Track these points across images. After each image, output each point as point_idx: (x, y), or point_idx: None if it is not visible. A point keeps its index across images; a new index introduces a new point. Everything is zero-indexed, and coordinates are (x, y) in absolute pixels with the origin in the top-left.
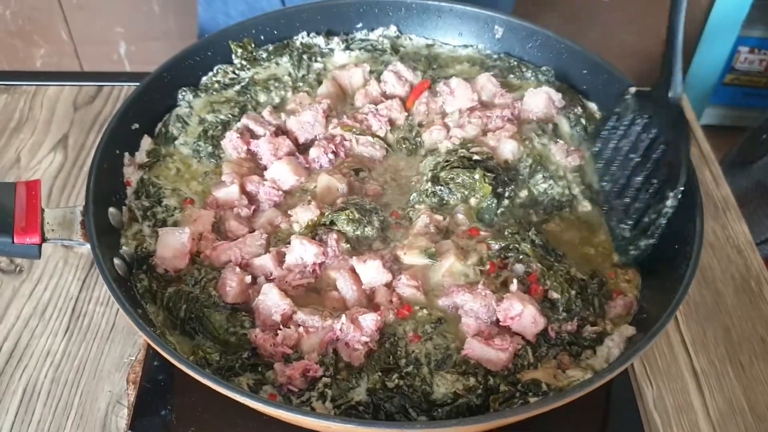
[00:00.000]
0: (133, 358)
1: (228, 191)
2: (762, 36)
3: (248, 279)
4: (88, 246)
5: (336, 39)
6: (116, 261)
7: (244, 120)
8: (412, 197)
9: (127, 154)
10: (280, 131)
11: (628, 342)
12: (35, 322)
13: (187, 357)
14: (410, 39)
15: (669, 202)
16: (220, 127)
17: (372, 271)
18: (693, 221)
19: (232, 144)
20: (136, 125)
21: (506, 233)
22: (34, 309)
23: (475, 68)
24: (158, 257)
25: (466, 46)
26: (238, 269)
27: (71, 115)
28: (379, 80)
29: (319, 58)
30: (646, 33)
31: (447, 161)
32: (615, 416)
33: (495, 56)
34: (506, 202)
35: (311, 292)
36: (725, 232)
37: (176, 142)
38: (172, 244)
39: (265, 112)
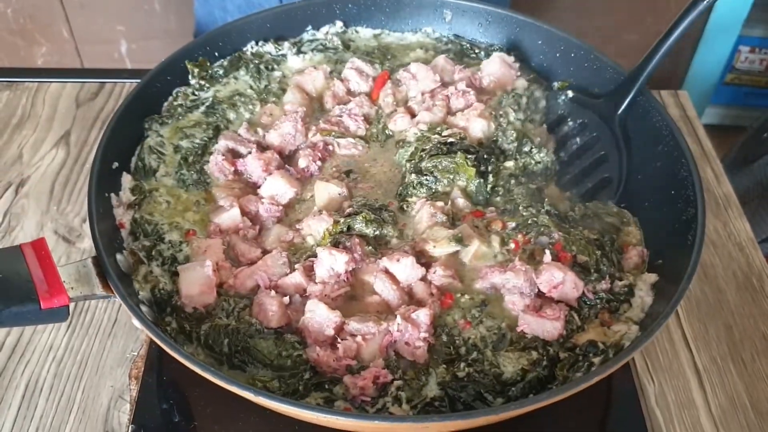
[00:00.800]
0: (135, 354)
1: (230, 215)
2: (763, 35)
3: (286, 300)
4: (116, 299)
5: (286, 44)
6: (144, 308)
7: (223, 141)
8: (399, 191)
9: (113, 195)
10: (262, 146)
11: (654, 288)
12: None
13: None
14: (357, 32)
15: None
16: (199, 152)
17: (407, 269)
18: (695, 222)
19: (218, 167)
20: (116, 164)
21: (520, 208)
22: None
23: (429, 53)
24: (185, 297)
25: (414, 32)
26: (273, 292)
27: (73, 111)
28: (341, 79)
29: (275, 66)
30: (647, 32)
31: (423, 150)
32: (617, 412)
33: (445, 39)
34: (491, 178)
35: (350, 300)
36: (727, 229)
37: (157, 175)
38: (197, 280)
39: (242, 130)
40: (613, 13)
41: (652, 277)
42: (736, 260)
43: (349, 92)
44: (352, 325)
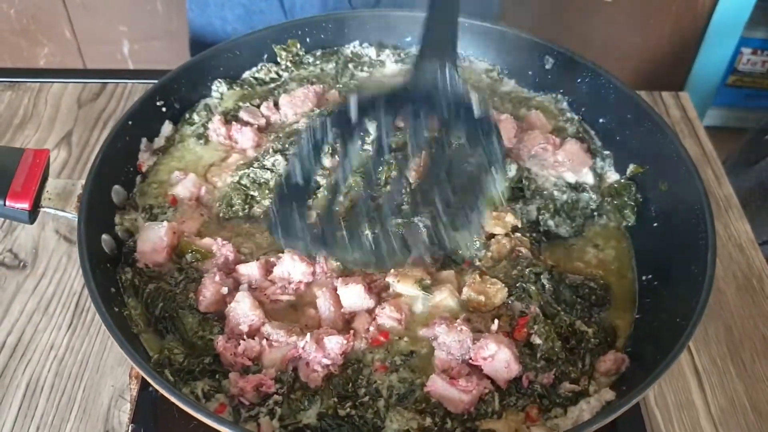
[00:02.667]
0: None
1: (187, 183)
2: (765, 37)
3: (224, 290)
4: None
5: (387, 51)
6: (105, 237)
7: (242, 112)
8: None
9: (145, 139)
10: (269, 124)
11: (606, 407)
12: (39, 316)
13: (151, 354)
14: (470, 61)
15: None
16: (230, 114)
17: (353, 296)
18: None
19: (213, 127)
20: (164, 107)
21: (521, 268)
22: (38, 304)
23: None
24: (139, 252)
25: (546, 92)
26: (217, 277)
27: (75, 112)
28: None
29: (366, 68)
30: (650, 34)
31: None
32: None
33: (568, 115)
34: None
35: (289, 307)
36: (727, 230)
37: (192, 128)
38: (151, 238)
39: (263, 106)
40: (615, 16)
41: (609, 395)
42: (736, 261)
43: None
44: (267, 328)
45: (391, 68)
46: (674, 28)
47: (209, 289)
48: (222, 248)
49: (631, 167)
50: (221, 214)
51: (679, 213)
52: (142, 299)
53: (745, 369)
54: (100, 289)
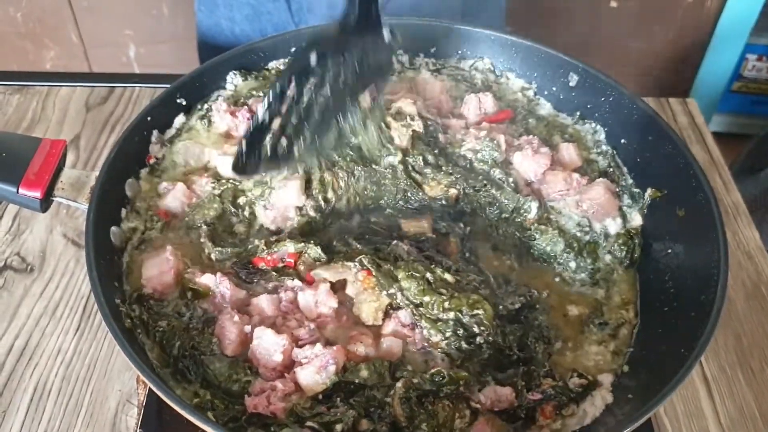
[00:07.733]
0: None
1: (174, 194)
2: None
3: (248, 329)
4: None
5: (418, 60)
6: (114, 229)
7: (252, 100)
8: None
9: (156, 131)
10: None
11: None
12: (46, 320)
13: (189, 400)
14: (507, 78)
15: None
16: (242, 99)
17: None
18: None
19: (216, 106)
20: (182, 101)
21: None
22: (45, 308)
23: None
24: (145, 278)
25: (583, 120)
26: (236, 317)
27: (83, 115)
28: (455, 102)
29: (397, 75)
30: (655, 40)
31: None
32: None
33: (603, 149)
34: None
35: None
36: (735, 238)
37: (200, 112)
38: (157, 263)
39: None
40: (621, 21)
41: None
42: (744, 269)
43: (452, 112)
44: (295, 350)
45: (425, 75)
46: (680, 33)
47: (232, 331)
48: (220, 285)
49: (649, 191)
50: (187, 219)
51: (694, 240)
52: (156, 340)
53: (755, 377)
54: (102, 281)
